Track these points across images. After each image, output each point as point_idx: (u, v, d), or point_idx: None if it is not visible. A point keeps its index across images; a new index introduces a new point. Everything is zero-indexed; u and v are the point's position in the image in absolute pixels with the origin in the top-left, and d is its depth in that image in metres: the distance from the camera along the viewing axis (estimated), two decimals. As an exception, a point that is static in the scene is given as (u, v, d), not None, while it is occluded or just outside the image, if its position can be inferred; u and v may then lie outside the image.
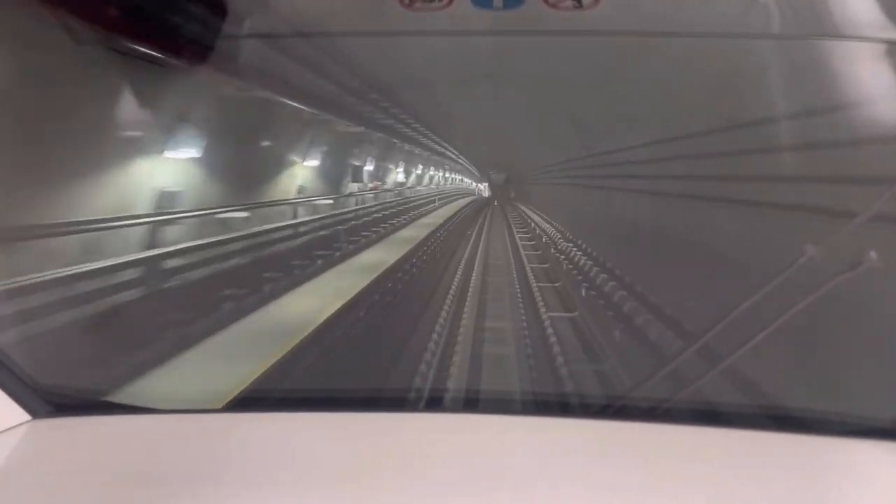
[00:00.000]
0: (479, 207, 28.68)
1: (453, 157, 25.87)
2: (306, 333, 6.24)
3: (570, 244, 13.46)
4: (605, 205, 11.94)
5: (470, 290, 11.50)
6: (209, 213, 7.46)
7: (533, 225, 20.10)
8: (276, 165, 9.76)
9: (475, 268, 13.85)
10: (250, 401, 3.46)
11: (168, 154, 6.58)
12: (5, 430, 1.42)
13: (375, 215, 15.21)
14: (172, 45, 4.84)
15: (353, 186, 13.71)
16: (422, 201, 22.44)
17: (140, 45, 4.77)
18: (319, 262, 10.15)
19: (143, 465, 1.34)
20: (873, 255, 1.72)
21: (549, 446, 1.44)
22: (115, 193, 5.75)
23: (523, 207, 25.31)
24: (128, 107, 5.51)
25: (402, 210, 18.30)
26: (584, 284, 10.49)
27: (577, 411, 2.11)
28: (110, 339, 4.91)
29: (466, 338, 8.60)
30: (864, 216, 1.91)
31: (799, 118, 4.82)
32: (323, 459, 1.37)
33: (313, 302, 7.78)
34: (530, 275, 12.35)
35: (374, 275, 9.51)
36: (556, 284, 11.60)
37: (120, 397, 2.99)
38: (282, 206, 9.94)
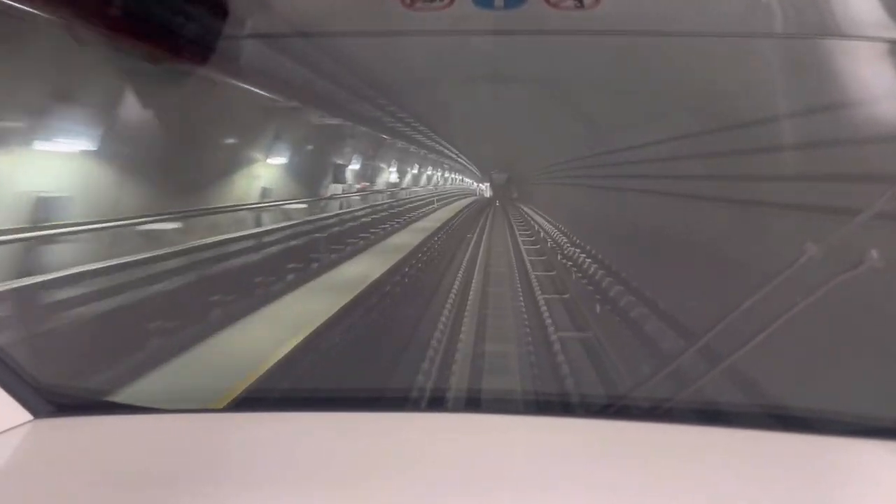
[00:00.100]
0: (480, 208, 28.38)
1: (453, 156, 25.70)
2: (233, 398, 4.03)
3: (578, 249, 12.63)
4: (617, 206, 11.43)
5: (468, 305, 10.18)
6: (119, 225, 5.69)
7: (537, 227, 19.53)
8: (228, 163, 7.96)
9: (475, 276, 12.68)
10: (252, 400, 3.47)
11: (41, 145, 4.66)
12: (7, 430, 1.42)
13: (364, 220, 13.76)
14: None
15: (338, 188, 12.36)
16: (418, 203, 21.39)
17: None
18: (291, 276, 8.54)
19: (145, 464, 1.34)
20: (875, 253, 1.72)
21: (550, 446, 1.45)
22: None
23: (525, 208, 25.10)
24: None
25: (395, 213, 17.00)
26: (597, 296, 9.37)
27: (579, 411, 2.11)
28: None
29: (463, 368, 7.28)
30: (866, 214, 1.90)
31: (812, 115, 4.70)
32: (324, 459, 1.37)
33: (263, 333, 6.29)
34: (535, 284, 11.39)
35: (354, 293, 7.95)
36: (565, 296, 10.49)
37: (121, 397, 3.00)
38: (240, 213, 8.15)
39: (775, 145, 5.31)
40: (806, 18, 4.14)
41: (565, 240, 14.65)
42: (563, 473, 1.29)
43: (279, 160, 9.30)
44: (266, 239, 8.71)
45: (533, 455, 1.40)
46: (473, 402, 4.04)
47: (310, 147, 10.45)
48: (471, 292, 11.17)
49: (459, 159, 27.66)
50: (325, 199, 11.65)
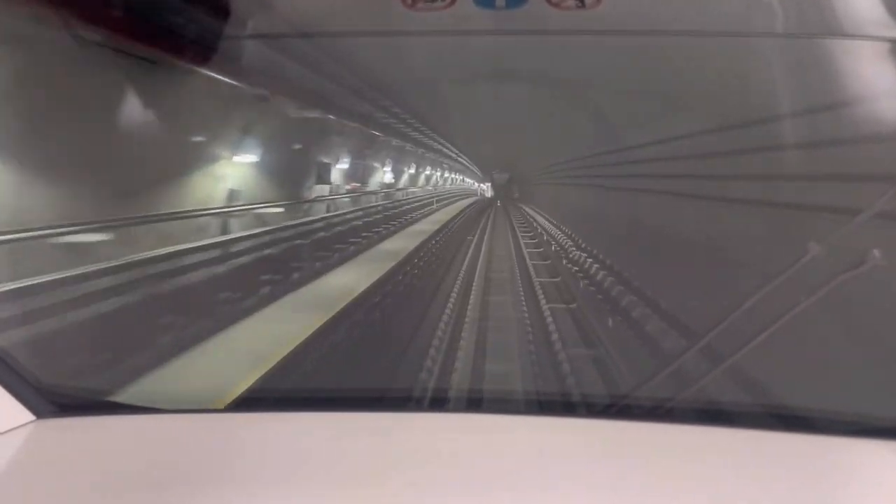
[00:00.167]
0: (481, 209, 28.14)
1: (453, 156, 25.59)
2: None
3: (585, 254, 12.07)
4: (620, 206, 11.19)
5: (467, 318, 9.28)
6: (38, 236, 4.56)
7: (539, 229, 19.01)
8: (184, 162, 6.82)
9: (474, 283, 11.85)
10: (253, 401, 3.47)
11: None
12: (9, 431, 1.43)
13: (355, 223, 12.63)
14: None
15: (324, 189, 11.21)
16: (416, 204, 20.55)
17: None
18: (266, 289, 7.30)
19: (147, 464, 1.34)
20: (877, 253, 1.71)
21: (552, 446, 1.45)
22: None
23: (527, 208, 24.98)
24: None
25: (391, 216, 15.99)
26: (607, 306, 8.65)
27: (581, 411, 2.11)
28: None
29: (461, 393, 6.54)
30: (867, 213, 1.90)
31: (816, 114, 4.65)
32: (325, 459, 1.37)
33: (216, 365, 5.14)
34: (539, 292, 10.64)
35: (333, 312, 6.76)
36: (572, 306, 9.79)
37: (123, 397, 3.00)
38: (197, 219, 6.92)
39: (781, 144, 5.27)
40: (808, 17, 4.12)
41: (570, 243, 14.07)
42: (565, 473, 1.29)
43: (248, 158, 8.03)
44: (234, 248, 7.47)
45: (534, 455, 1.40)
46: (475, 402, 4.04)
47: (289, 144, 9.45)
48: (470, 303, 10.31)
49: (460, 159, 27.58)
50: (303, 202, 10.41)
